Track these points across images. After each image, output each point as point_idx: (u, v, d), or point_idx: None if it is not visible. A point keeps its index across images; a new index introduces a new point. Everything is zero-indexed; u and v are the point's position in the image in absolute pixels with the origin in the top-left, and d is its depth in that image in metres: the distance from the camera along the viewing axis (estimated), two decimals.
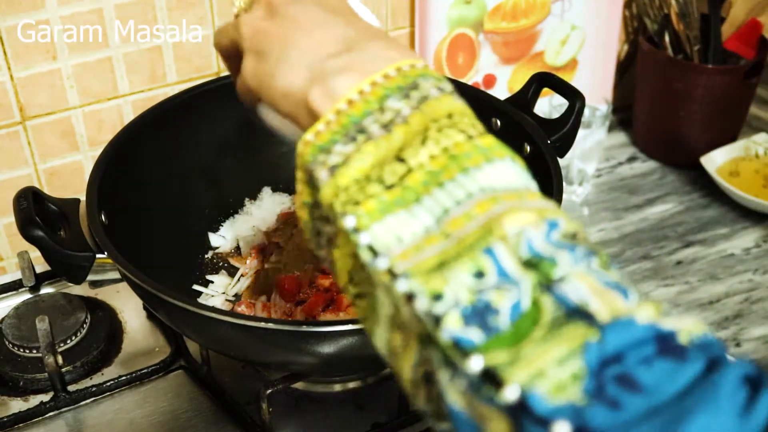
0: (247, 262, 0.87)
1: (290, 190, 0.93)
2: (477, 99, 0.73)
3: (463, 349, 0.32)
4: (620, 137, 1.21)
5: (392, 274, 0.35)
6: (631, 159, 1.17)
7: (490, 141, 0.39)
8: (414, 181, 0.37)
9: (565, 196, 0.95)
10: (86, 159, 0.94)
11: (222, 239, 0.90)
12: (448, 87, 0.41)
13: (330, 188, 0.38)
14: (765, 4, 1.08)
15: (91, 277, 0.68)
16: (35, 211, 0.67)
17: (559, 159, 0.74)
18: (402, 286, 0.35)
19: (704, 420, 0.28)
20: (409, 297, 0.35)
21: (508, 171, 0.38)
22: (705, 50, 1.09)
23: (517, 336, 0.32)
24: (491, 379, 0.31)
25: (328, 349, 0.63)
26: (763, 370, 0.31)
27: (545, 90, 0.82)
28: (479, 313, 0.33)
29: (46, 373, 0.77)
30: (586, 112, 0.91)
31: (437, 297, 0.34)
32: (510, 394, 0.31)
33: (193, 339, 0.77)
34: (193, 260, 0.88)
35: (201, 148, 0.87)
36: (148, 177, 0.82)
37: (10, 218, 0.76)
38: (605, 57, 1.17)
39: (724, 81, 1.07)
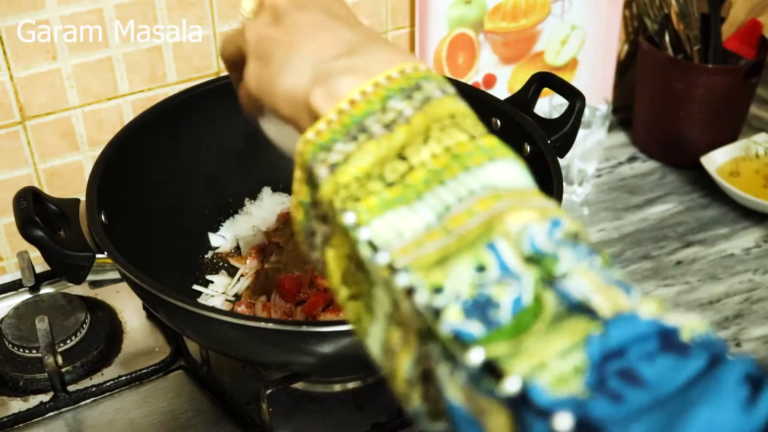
0: (247, 262, 0.87)
1: (290, 190, 0.92)
2: (477, 99, 0.73)
3: (463, 341, 0.32)
4: (620, 137, 1.21)
5: (392, 269, 0.35)
6: (631, 159, 1.17)
7: (493, 141, 0.39)
8: (415, 178, 0.37)
9: (565, 196, 0.95)
10: (86, 159, 0.94)
11: (222, 239, 0.90)
12: (451, 89, 0.42)
13: (330, 185, 0.38)
14: (765, 4, 1.08)
15: (90, 277, 0.68)
16: (35, 211, 0.67)
17: (559, 159, 0.74)
18: (402, 281, 0.35)
19: (708, 413, 0.28)
20: (409, 291, 0.35)
21: (510, 170, 0.38)
22: (705, 50, 1.09)
23: (518, 329, 0.32)
24: (492, 371, 0.31)
25: (328, 349, 0.63)
26: (764, 368, 0.31)
27: (545, 90, 0.82)
28: (480, 307, 0.33)
29: (45, 373, 0.77)
30: (586, 112, 0.91)
31: (437, 290, 0.34)
32: (511, 385, 0.31)
33: (193, 339, 0.77)
34: (193, 260, 0.88)
35: (201, 148, 0.87)
36: (148, 177, 0.82)
37: (10, 218, 0.76)
38: (605, 57, 1.17)
39: (724, 81, 1.07)
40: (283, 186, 0.93)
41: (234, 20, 0.94)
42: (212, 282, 0.86)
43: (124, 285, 0.69)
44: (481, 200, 0.36)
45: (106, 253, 0.66)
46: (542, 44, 1.12)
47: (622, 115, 1.23)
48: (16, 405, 0.78)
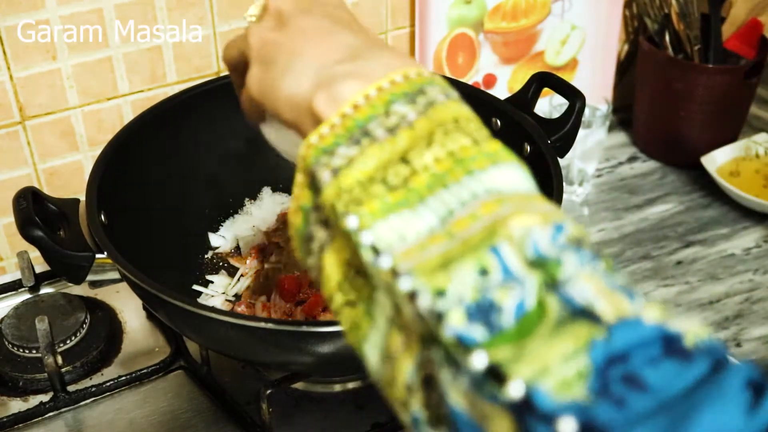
0: (247, 262, 0.87)
1: (290, 190, 0.92)
2: (477, 99, 0.73)
3: (466, 345, 0.32)
4: (620, 137, 1.21)
5: (395, 273, 0.35)
6: (632, 159, 1.17)
7: (496, 146, 0.39)
8: (418, 183, 0.37)
9: (565, 196, 0.95)
10: (86, 159, 0.94)
11: (222, 239, 0.90)
12: (455, 94, 0.41)
13: (332, 189, 0.38)
14: (765, 4, 1.08)
15: (90, 277, 0.68)
16: (35, 211, 0.67)
17: (559, 159, 0.74)
18: (405, 285, 0.35)
19: (711, 417, 0.28)
20: (412, 295, 0.34)
21: (514, 175, 0.38)
22: (705, 50, 1.09)
23: (521, 334, 0.32)
24: (495, 375, 0.31)
25: (328, 349, 0.63)
26: (765, 372, 0.31)
27: (545, 90, 0.82)
28: (483, 311, 0.33)
29: (45, 374, 0.77)
30: (586, 112, 0.91)
31: (440, 294, 0.34)
32: (514, 390, 0.30)
33: (193, 339, 0.77)
34: (193, 260, 0.88)
35: (201, 148, 0.87)
36: (148, 177, 0.82)
37: (10, 218, 0.76)
38: (605, 57, 1.17)
39: (724, 81, 1.07)
40: (283, 186, 0.93)
41: (234, 20, 0.94)
42: (212, 282, 0.86)
43: (124, 285, 0.69)
44: (484, 204, 0.36)
45: (105, 253, 0.66)
46: (542, 44, 1.12)
47: (622, 115, 1.23)
48: (16, 405, 0.78)
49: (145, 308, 0.87)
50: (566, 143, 0.79)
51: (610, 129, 1.16)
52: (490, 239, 0.34)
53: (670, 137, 1.13)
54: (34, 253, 0.79)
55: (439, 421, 0.36)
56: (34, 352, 0.80)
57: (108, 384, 0.79)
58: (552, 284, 0.33)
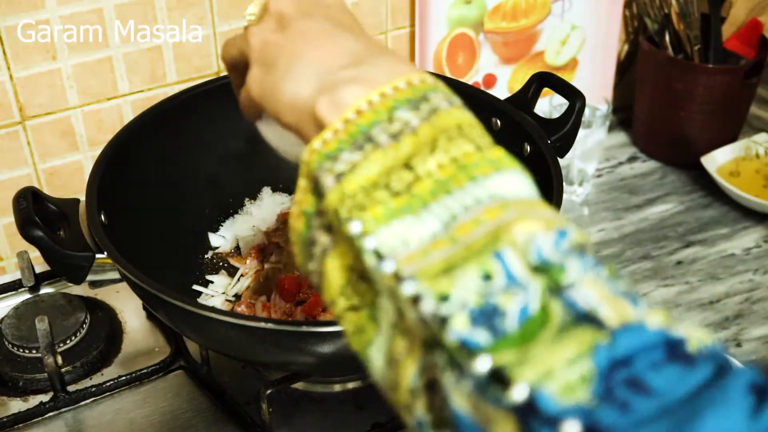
0: (247, 262, 0.87)
1: (290, 190, 0.93)
2: (477, 99, 0.73)
3: (469, 349, 0.32)
4: (620, 137, 1.21)
5: (398, 278, 0.35)
6: (632, 159, 1.17)
7: (500, 153, 0.39)
8: (422, 189, 0.37)
9: (565, 196, 0.95)
10: (86, 159, 0.94)
11: (222, 239, 0.90)
12: (458, 101, 0.41)
13: (336, 194, 0.38)
14: (765, 4, 1.08)
15: (90, 277, 0.68)
16: (35, 211, 0.67)
17: (559, 159, 0.74)
18: (408, 289, 0.35)
19: (715, 420, 0.28)
20: (415, 300, 0.34)
21: (517, 181, 0.38)
22: (705, 50, 1.09)
23: (524, 338, 0.32)
24: (499, 379, 0.31)
25: (328, 349, 0.63)
26: (767, 374, 0.31)
27: (545, 90, 0.82)
28: (486, 316, 0.33)
29: (45, 374, 0.77)
30: (586, 112, 0.91)
31: (444, 298, 0.34)
32: (518, 393, 0.30)
33: (193, 339, 0.77)
34: (193, 260, 0.88)
35: (201, 147, 0.87)
36: (148, 177, 0.82)
37: (10, 218, 0.76)
38: (605, 57, 1.17)
39: (724, 81, 1.07)
40: (283, 186, 0.93)
41: (234, 20, 0.94)
42: (212, 282, 0.86)
43: (124, 285, 0.69)
44: (487, 210, 0.36)
45: (106, 253, 0.66)
46: (542, 44, 1.12)
47: (622, 115, 1.23)
48: (16, 405, 0.78)
49: (145, 308, 0.87)
50: (566, 143, 0.79)
51: (610, 129, 1.16)
52: (494, 245, 0.34)
53: (670, 137, 1.13)
54: (34, 253, 0.79)
55: (442, 425, 0.36)
56: (34, 352, 0.80)
57: (108, 384, 0.79)
58: (555, 289, 0.33)
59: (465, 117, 0.41)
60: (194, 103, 0.85)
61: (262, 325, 0.62)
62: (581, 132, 0.82)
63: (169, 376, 0.81)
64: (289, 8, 0.47)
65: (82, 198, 0.72)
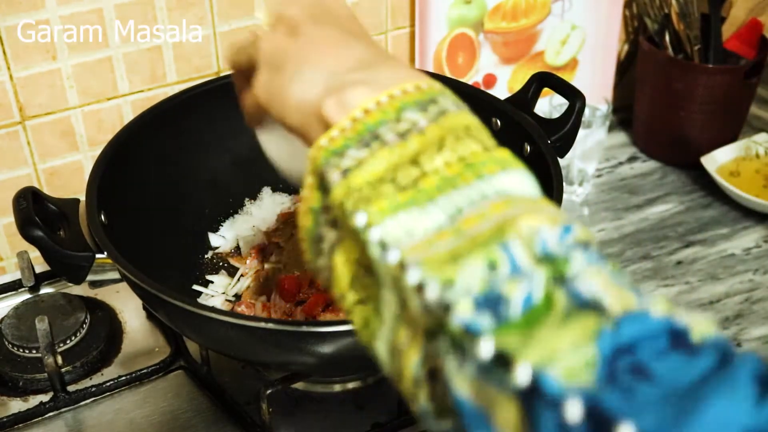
0: (247, 262, 0.87)
1: (290, 190, 0.93)
2: (477, 99, 0.73)
3: (473, 333, 0.33)
4: (620, 137, 1.21)
5: (402, 266, 0.36)
6: (632, 159, 1.17)
7: (506, 154, 0.40)
8: (428, 184, 0.38)
9: (565, 196, 0.95)
10: (86, 159, 0.94)
11: (222, 239, 0.90)
12: (465, 106, 0.42)
13: (341, 189, 0.39)
14: (765, 4, 1.08)
15: (90, 277, 0.68)
16: (35, 211, 0.67)
17: (559, 159, 0.74)
18: (413, 277, 0.35)
19: (719, 408, 0.28)
20: (419, 287, 0.35)
21: (523, 181, 0.39)
22: (705, 50, 1.09)
23: (528, 324, 0.32)
24: (502, 361, 0.31)
25: (328, 349, 0.63)
26: None
27: (545, 90, 0.82)
28: (491, 302, 0.33)
29: (45, 374, 0.77)
30: (586, 112, 0.91)
31: (448, 284, 0.34)
32: (521, 374, 0.31)
33: (193, 339, 0.77)
34: (193, 260, 0.88)
35: (201, 147, 0.87)
36: (148, 177, 0.82)
37: (10, 218, 0.76)
38: (605, 57, 1.17)
39: (724, 81, 1.07)
40: (283, 186, 0.93)
41: (234, 20, 0.94)
42: (212, 282, 0.86)
43: (124, 285, 0.69)
44: (493, 205, 0.37)
45: (106, 253, 0.66)
46: (542, 44, 1.12)
47: (622, 115, 1.23)
48: (16, 405, 0.78)
49: (145, 308, 0.87)
50: (566, 143, 0.79)
51: (610, 129, 1.16)
52: (499, 236, 0.35)
53: (670, 137, 1.13)
54: (34, 253, 0.79)
55: (444, 413, 0.36)
56: (34, 352, 0.80)
57: (108, 384, 0.79)
58: (560, 279, 0.33)
59: (472, 120, 0.41)
60: (194, 103, 0.85)
61: (262, 325, 0.62)
62: (581, 132, 0.82)
63: (169, 376, 0.81)
64: (301, 16, 0.47)
65: (82, 198, 0.72)
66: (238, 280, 0.86)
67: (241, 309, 0.80)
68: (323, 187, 0.41)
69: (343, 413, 0.77)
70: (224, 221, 0.91)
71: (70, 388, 0.78)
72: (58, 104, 0.89)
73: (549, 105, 1.05)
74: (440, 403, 0.36)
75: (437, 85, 0.42)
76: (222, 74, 0.96)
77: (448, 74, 1.07)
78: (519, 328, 0.32)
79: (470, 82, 1.10)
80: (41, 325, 0.75)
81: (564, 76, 1.08)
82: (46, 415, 0.77)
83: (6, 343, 0.81)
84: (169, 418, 0.76)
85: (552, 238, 0.35)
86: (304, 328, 0.61)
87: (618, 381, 0.30)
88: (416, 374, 0.37)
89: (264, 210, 0.91)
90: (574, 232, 0.35)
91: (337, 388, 0.80)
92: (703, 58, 1.08)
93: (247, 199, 0.92)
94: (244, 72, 0.51)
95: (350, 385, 0.80)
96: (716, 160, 1.09)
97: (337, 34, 0.46)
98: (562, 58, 1.14)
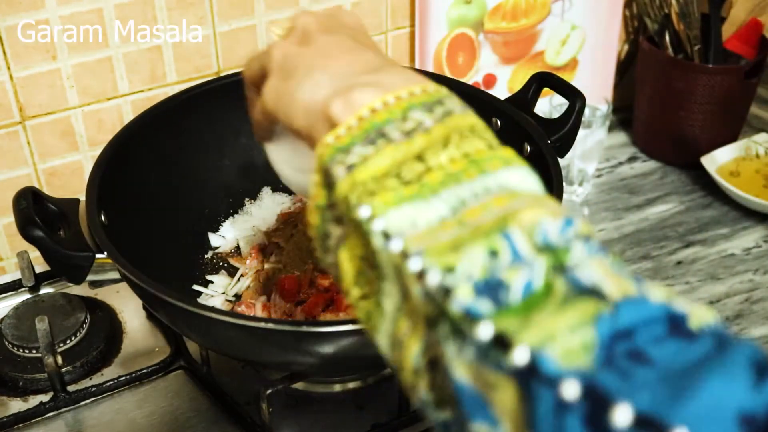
0: (247, 262, 0.87)
1: (290, 190, 0.93)
2: (477, 99, 0.73)
3: (473, 317, 0.33)
4: (620, 137, 1.21)
5: (405, 255, 0.36)
6: (632, 159, 1.17)
7: (510, 152, 0.41)
8: (432, 178, 0.39)
9: (565, 196, 0.95)
10: (86, 159, 0.94)
11: (222, 239, 0.90)
12: (471, 110, 0.43)
13: (346, 183, 0.39)
14: (765, 4, 1.08)
15: (90, 277, 0.68)
16: (35, 211, 0.67)
17: (559, 159, 0.74)
18: (415, 265, 0.36)
19: (716, 388, 0.28)
20: (421, 274, 0.35)
21: (526, 177, 0.40)
22: (705, 50, 1.09)
23: (527, 308, 0.33)
24: (500, 343, 0.32)
25: (328, 349, 0.63)
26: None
27: (545, 90, 0.82)
28: (491, 288, 0.34)
29: (45, 374, 0.77)
30: (586, 112, 0.91)
31: (449, 270, 0.35)
32: (519, 355, 0.31)
33: (193, 339, 0.77)
34: (193, 260, 0.88)
35: (201, 147, 0.87)
36: (148, 177, 0.82)
37: (10, 218, 0.76)
38: (605, 57, 1.17)
39: (724, 81, 1.07)
40: (283, 186, 0.93)
41: (234, 20, 0.94)
42: (212, 282, 0.86)
43: (124, 285, 0.69)
44: (496, 198, 0.37)
45: (106, 253, 0.66)
46: (542, 44, 1.12)
47: (622, 115, 1.23)
48: (16, 405, 0.78)
49: (145, 308, 0.87)
50: (566, 143, 0.79)
51: (610, 129, 1.16)
52: (501, 226, 0.35)
53: (670, 137, 1.13)
54: (34, 253, 0.79)
55: (443, 403, 0.37)
56: (34, 352, 0.80)
57: (108, 384, 0.79)
58: (560, 268, 0.34)
59: (477, 121, 0.42)
60: (194, 103, 0.85)
61: (262, 325, 0.62)
62: (581, 132, 0.82)
63: (169, 376, 0.81)
64: (314, 25, 0.49)
65: (82, 198, 0.72)
66: (238, 280, 0.86)
67: (241, 309, 0.80)
68: (329, 184, 0.41)
69: (343, 413, 0.77)
70: (224, 221, 0.91)
71: (70, 388, 0.78)
72: (58, 104, 0.89)
73: (549, 105, 1.05)
74: (440, 392, 0.37)
75: (444, 89, 0.43)
76: (222, 74, 0.96)
77: (448, 74, 1.07)
78: (518, 312, 0.33)
79: (470, 82, 1.10)
80: (41, 325, 0.75)
81: (564, 76, 1.08)
82: (46, 415, 0.77)
83: (6, 343, 0.81)
84: (169, 418, 0.76)
85: (553, 230, 0.35)
86: (304, 328, 0.61)
87: (615, 364, 0.30)
88: (416, 364, 0.38)
89: (264, 210, 0.91)
90: (575, 225, 0.36)
91: (337, 388, 0.80)
92: (703, 58, 1.08)
93: (247, 199, 0.92)
94: (257, 82, 0.52)
95: (350, 385, 0.80)
96: (716, 160, 1.09)
97: (348, 42, 0.48)
98: (562, 58, 1.14)
